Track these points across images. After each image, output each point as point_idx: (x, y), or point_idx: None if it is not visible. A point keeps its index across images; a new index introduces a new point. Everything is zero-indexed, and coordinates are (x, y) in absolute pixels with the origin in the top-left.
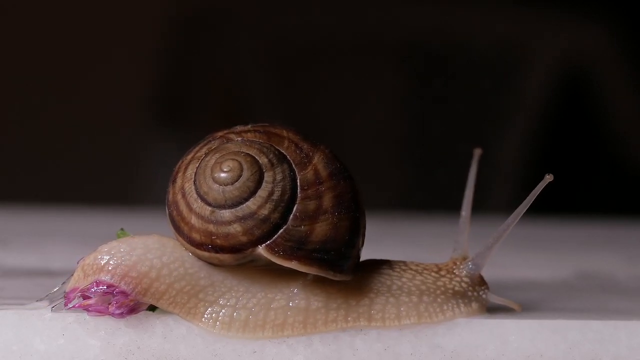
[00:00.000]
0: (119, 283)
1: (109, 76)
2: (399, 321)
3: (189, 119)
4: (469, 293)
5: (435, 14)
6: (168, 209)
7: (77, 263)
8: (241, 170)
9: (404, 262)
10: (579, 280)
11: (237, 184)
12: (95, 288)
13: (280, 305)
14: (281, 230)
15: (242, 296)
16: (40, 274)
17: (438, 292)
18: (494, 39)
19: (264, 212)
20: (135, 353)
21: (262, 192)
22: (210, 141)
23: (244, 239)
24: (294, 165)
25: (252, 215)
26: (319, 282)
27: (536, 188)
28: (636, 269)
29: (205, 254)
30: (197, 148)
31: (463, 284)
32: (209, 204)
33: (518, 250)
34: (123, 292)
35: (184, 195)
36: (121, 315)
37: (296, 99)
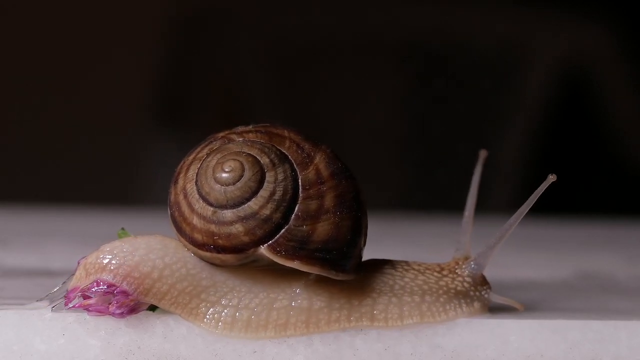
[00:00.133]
0: (121, 283)
1: (109, 76)
2: (401, 321)
3: (189, 119)
4: (471, 293)
5: (435, 14)
6: (170, 210)
7: (78, 263)
8: (243, 170)
9: (406, 262)
10: (579, 280)
11: (238, 184)
12: (96, 288)
13: (282, 305)
14: (283, 230)
15: (245, 296)
16: (40, 274)
17: (440, 291)
18: (494, 39)
19: (266, 212)
20: (135, 353)
21: (263, 192)
22: (211, 142)
23: (246, 239)
24: (295, 165)
25: (253, 215)
26: (321, 282)
27: (539, 188)
28: (636, 269)
29: (208, 254)
30: (198, 149)
31: (465, 284)
32: (211, 205)
33: (518, 250)
34: (124, 292)
35: (185, 196)
36: (121, 315)
37: (296, 99)
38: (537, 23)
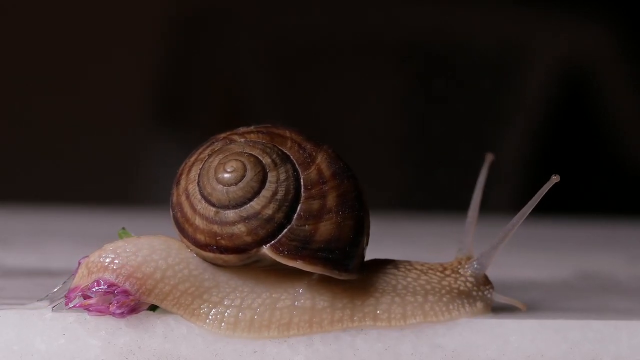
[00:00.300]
0: (124, 283)
1: (109, 76)
2: (404, 321)
3: (189, 119)
4: (474, 293)
5: (435, 14)
6: (172, 211)
7: (79, 262)
8: (245, 170)
9: (409, 262)
10: (579, 280)
11: (240, 184)
12: (96, 288)
13: (285, 305)
14: (285, 230)
15: (247, 296)
16: (40, 274)
17: (443, 291)
18: (494, 39)
19: (268, 212)
20: (135, 353)
21: (265, 192)
22: (213, 142)
23: (248, 239)
24: (297, 165)
25: (256, 215)
26: (324, 282)
27: (542, 189)
28: (636, 269)
29: (210, 254)
30: (200, 150)
31: (468, 284)
32: (213, 205)
33: (518, 250)
34: (124, 292)
35: (187, 197)
36: (122, 315)
37: (296, 99)
38: (537, 23)
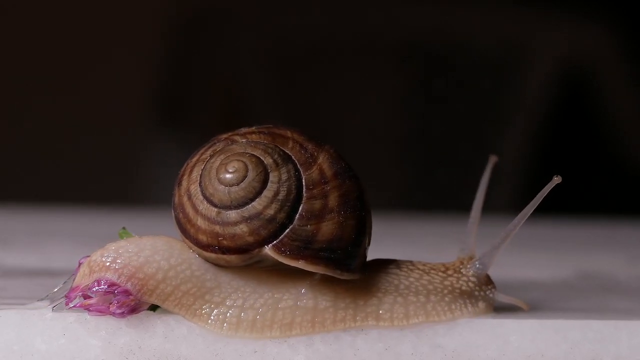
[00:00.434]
0: (126, 283)
1: (109, 76)
2: (407, 320)
3: (189, 119)
4: (476, 293)
5: (435, 14)
6: (174, 212)
7: (79, 262)
8: (246, 170)
9: (411, 262)
10: (579, 280)
11: (242, 185)
12: (97, 287)
13: (288, 305)
14: (287, 230)
15: (249, 297)
16: (40, 274)
17: (445, 291)
18: (494, 39)
19: (270, 212)
20: (136, 353)
21: (267, 192)
22: (215, 143)
23: (250, 239)
24: (299, 165)
25: (258, 215)
26: (326, 282)
27: (544, 189)
28: (637, 269)
29: (212, 255)
30: (202, 150)
31: (470, 284)
32: (215, 205)
33: (518, 250)
34: (125, 292)
35: (189, 197)
36: (122, 314)
37: (296, 99)
38: (537, 23)
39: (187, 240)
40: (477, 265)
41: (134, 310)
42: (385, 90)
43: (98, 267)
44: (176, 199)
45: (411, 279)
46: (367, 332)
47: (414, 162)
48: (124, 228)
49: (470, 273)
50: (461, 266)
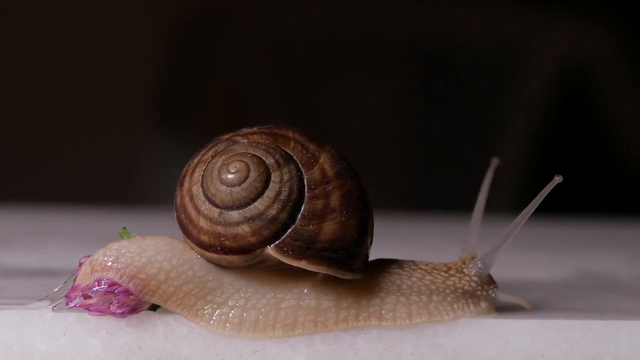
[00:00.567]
0: (128, 283)
1: (109, 76)
2: (410, 320)
3: (189, 119)
4: (478, 292)
5: (435, 14)
6: (176, 213)
7: (80, 262)
8: (248, 171)
9: (413, 262)
10: (579, 280)
11: (244, 185)
12: (97, 287)
13: (290, 305)
14: (289, 230)
15: (252, 297)
16: (40, 274)
17: (447, 291)
18: (494, 39)
19: (272, 212)
20: (136, 353)
21: (269, 193)
22: (216, 144)
23: (252, 239)
24: (300, 165)
25: (260, 215)
26: (329, 282)
27: (545, 189)
28: (637, 269)
29: (215, 255)
30: (203, 151)
31: (472, 283)
32: (217, 206)
33: (518, 250)
34: (126, 291)
35: (191, 198)
36: (122, 314)
37: (296, 99)
38: (537, 23)
39: (189, 241)
40: (479, 265)
41: (134, 310)
42: (385, 90)
43: (100, 266)
44: (178, 200)
45: (413, 279)
46: (367, 332)
47: (414, 162)
48: (124, 228)
49: (473, 273)
50: (463, 266)
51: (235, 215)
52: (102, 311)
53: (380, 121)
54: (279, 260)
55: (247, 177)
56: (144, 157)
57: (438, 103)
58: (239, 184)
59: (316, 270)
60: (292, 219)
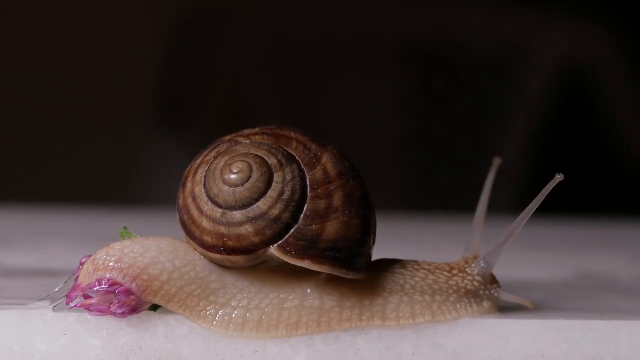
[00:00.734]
0: (130, 284)
1: (109, 76)
2: (413, 320)
3: (189, 119)
4: (481, 292)
5: (435, 14)
6: (178, 214)
7: (80, 262)
8: (250, 171)
9: (416, 262)
10: (579, 280)
11: (247, 185)
12: (97, 287)
13: (293, 304)
14: (292, 230)
15: (255, 297)
16: (40, 274)
17: (450, 291)
18: (494, 39)
19: (275, 212)
20: (136, 353)
21: (272, 192)
22: (218, 145)
23: (255, 239)
24: (302, 165)
25: (263, 215)
26: (332, 282)
27: (546, 187)
28: (637, 269)
29: (218, 256)
30: (205, 152)
31: (475, 283)
32: (220, 206)
33: (519, 251)
34: (127, 291)
35: (194, 199)
36: (123, 314)
37: (296, 99)
38: (537, 23)
39: (192, 242)
40: (482, 264)
41: (134, 310)
42: (385, 90)
43: (102, 265)
44: (180, 201)
45: (416, 279)
46: (367, 332)
47: (414, 162)
48: (125, 227)
49: (475, 272)
50: (466, 265)
51: (238, 215)
52: (102, 311)
53: (380, 121)
54: (282, 260)
55: (249, 177)
56: (144, 157)
57: (438, 103)
58: (242, 184)
59: (319, 270)
60: (294, 218)
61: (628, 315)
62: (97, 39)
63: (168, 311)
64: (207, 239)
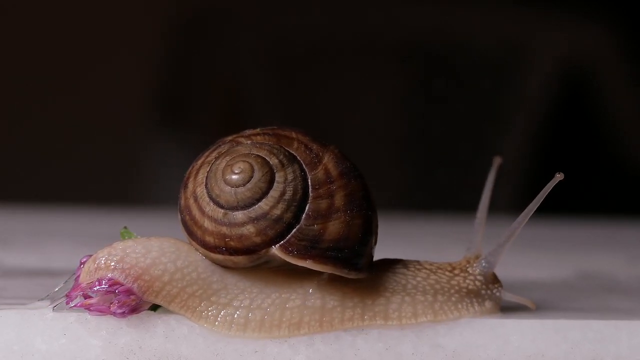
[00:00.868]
0: (132, 284)
1: (110, 76)
2: (415, 319)
3: (189, 119)
4: (483, 292)
5: (435, 14)
6: (180, 215)
7: (80, 262)
8: (252, 171)
9: (418, 262)
10: (579, 280)
11: (248, 185)
12: (97, 287)
13: (295, 304)
14: (294, 230)
15: (257, 297)
16: (40, 274)
17: (452, 291)
18: (494, 39)
19: (277, 212)
20: (136, 353)
21: (274, 193)
22: (220, 145)
23: (257, 239)
24: (304, 165)
25: (264, 215)
26: (334, 282)
27: (547, 186)
28: (637, 269)
29: (220, 256)
30: (207, 153)
31: (477, 282)
32: (222, 207)
33: (519, 250)
34: (127, 291)
35: (196, 200)
36: (123, 314)
37: (296, 99)
38: (537, 23)
39: (194, 243)
40: (483, 264)
41: (134, 310)
42: (385, 90)
43: (104, 265)
44: (182, 202)
45: (418, 279)
46: (367, 332)
47: (414, 162)
48: (125, 227)
49: (477, 272)
50: (467, 265)
51: (239, 215)
52: (102, 311)
53: (380, 121)
54: (284, 261)
55: (251, 177)
56: (144, 157)
57: (438, 103)
58: (244, 185)
59: (321, 270)
60: (296, 218)
61: (628, 315)
62: (97, 39)
63: (168, 311)
64: (209, 239)
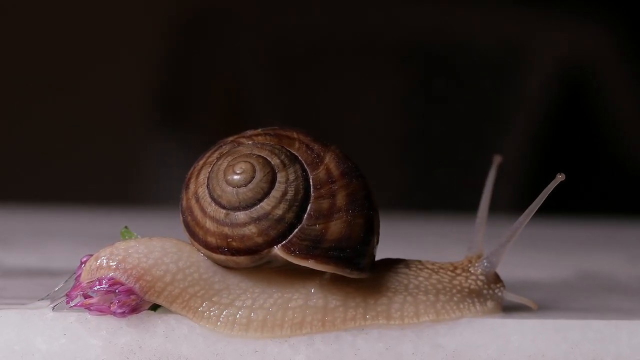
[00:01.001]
0: (134, 284)
1: (110, 76)
2: (417, 319)
3: (189, 119)
4: (484, 291)
5: (435, 14)
6: (182, 215)
7: (81, 262)
8: (254, 171)
9: (420, 261)
10: (579, 280)
11: (250, 185)
12: (97, 287)
13: (298, 304)
14: (296, 230)
15: (259, 297)
16: (40, 274)
17: (454, 291)
18: (494, 39)
19: (279, 212)
20: (136, 353)
21: (275, 193)
22: (221, 146)
23: (259, 240)
24: (306, 166)
25: (266, 215)
26: (336, 282)
27: (548, 187)
28: (637, 269)
29: (222, 257)
30: (208, 153)
31: (479, 282)
32: (223, 207)
33: (519, 250)
34: (127, 291)
35: (197, 200)
36: (123, 314)
37: (296, 99)
38: (537, 23)
39: (195, 243)
40: (485, 264)
41: (134, 309)
42: (385, 90)
43: (106, 264)
44: (184, 203)
45: (420, 278)
46: (367, 331)
47: (414, 162)
48: (126, 227)
49: (479, 271)
50: (469, 265)
51: (241, 215)
52: (102, 311)
53: (380, 121)
54: (286, 261)
55: (253, 177)
56: (144, 157)
57: (438, 103)
58: (245, 185)
59: (323, 270)
60: (298, 218)
61: (628, 315)
62: (97, 39)
63: (168, 311)
64: (211, 240)
